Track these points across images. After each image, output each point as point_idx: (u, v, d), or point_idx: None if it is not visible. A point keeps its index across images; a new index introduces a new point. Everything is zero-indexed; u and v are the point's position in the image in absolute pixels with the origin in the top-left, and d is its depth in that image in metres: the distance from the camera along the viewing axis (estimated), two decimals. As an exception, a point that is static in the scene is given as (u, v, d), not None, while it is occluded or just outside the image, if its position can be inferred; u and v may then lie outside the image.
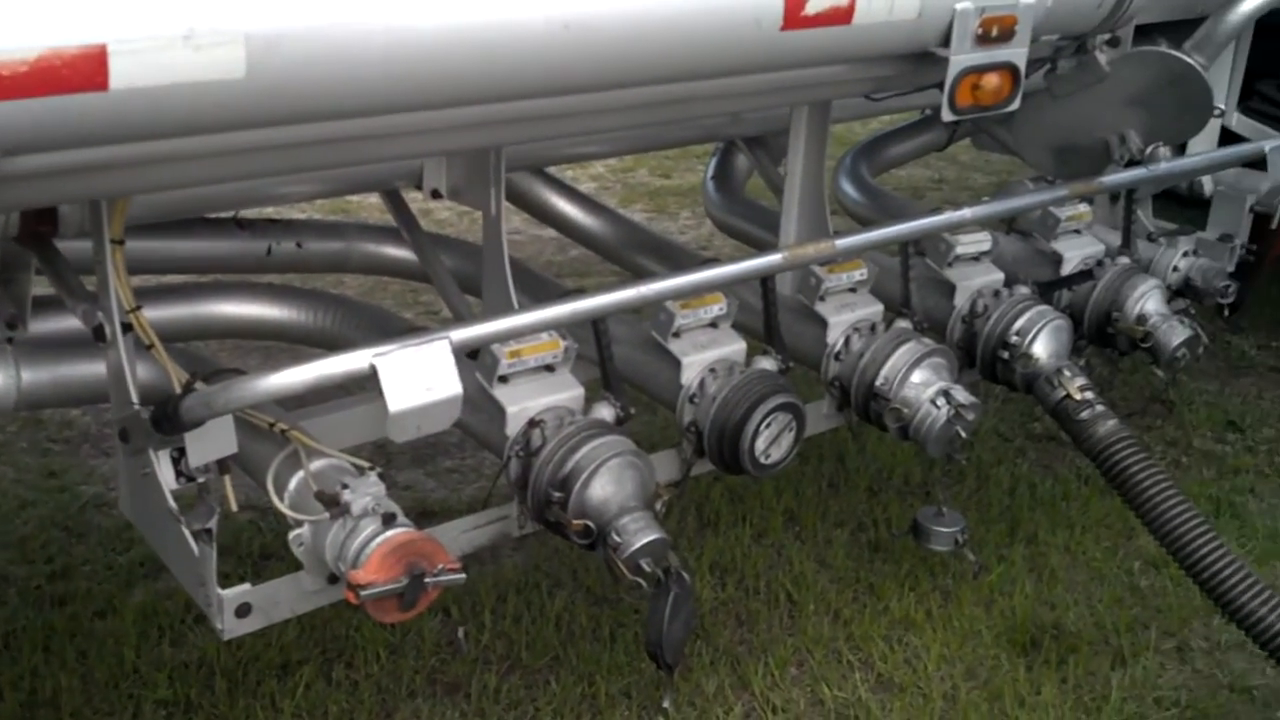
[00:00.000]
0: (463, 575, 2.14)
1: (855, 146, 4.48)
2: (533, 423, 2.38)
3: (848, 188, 4.15)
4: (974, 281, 3.17)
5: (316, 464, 2.18)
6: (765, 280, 2.73)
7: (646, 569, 2.35)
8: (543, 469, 2.35)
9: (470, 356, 2.41)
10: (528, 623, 3.29)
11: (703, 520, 3.85)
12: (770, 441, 2.65)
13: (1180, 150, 4.12)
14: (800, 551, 3.67)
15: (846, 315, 2.93)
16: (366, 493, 2.08)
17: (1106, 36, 3.16)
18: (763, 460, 2.66)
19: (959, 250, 3.14)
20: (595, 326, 2.47)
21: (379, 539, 2.04)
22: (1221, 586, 2.79)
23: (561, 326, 2.39)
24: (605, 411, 2.48)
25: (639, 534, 2.32)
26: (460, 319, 2.71)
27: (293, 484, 2.18)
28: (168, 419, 2.02)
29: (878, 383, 2.86)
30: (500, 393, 2.39)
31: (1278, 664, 2.78)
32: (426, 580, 2.07)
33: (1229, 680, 3.14)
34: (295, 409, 2.81)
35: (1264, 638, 2.75)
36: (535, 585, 3.45)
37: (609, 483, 2.34)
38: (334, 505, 2.07)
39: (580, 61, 2.00)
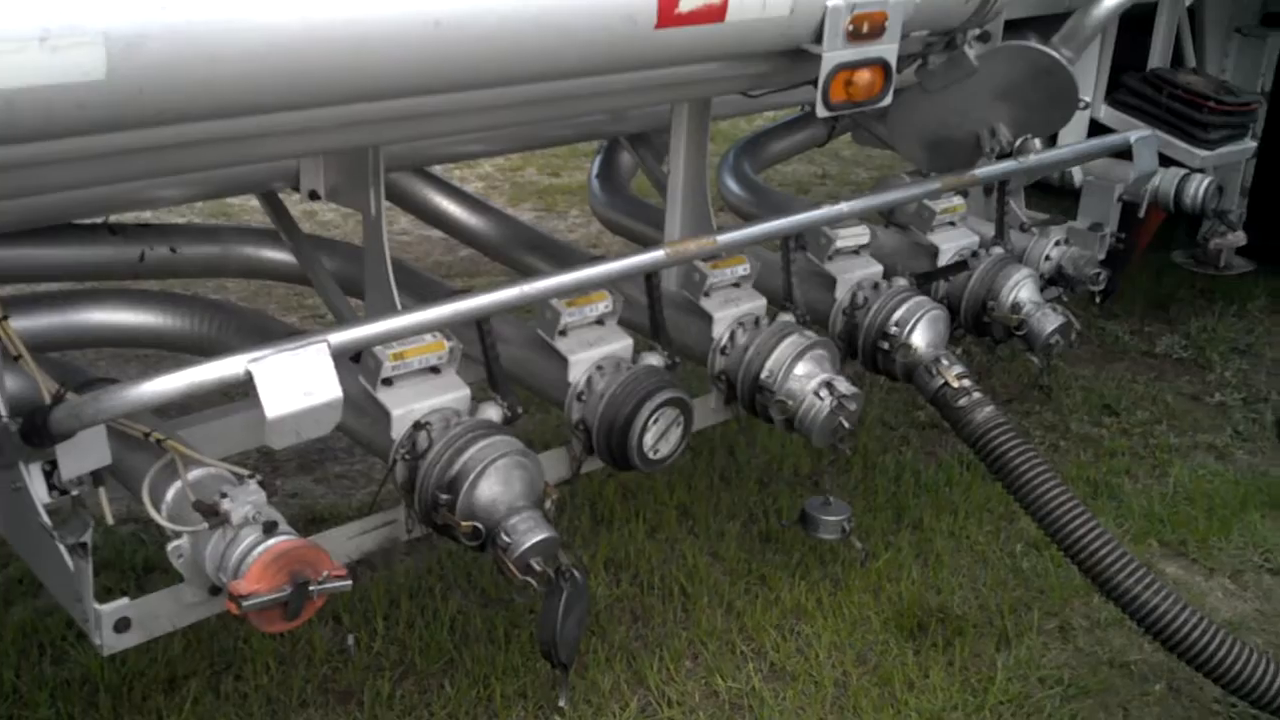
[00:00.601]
0: (349, 582, 2.11)
1: (738, 143, 4.52)
2: (418, 425, 2.36)
3: (731, 184, 4.19)
4: (854, 274, 3.22)
5: (194, 473, 2.13)
6: (649, 277, 2.74)
7: (537, 568, 2.34)
8: (430, 471, 2.33)
9: (354, 360, 2.38)
10: (421, 627, 3.26)
11: (597, 517, 3.85)
12: (658, 436, 2.66)
13: (1051, 142, 4.24)
14: (693, 545, 3.70)
15: (731, 310, 2.96)
16: (246, 501, 2.04)
17: (976, 32, 3.24)
18: (651, 455, 2.67)
19: (839, 244, 3.18)
20: (479, 326, 2.46)
21: (260, 548, 2.00)
22: (1098, 566, 2.88)
23: (445, 327, 2.37)
24: (492, 412, 2.47)
25: (528, 533, 2.32)
26: (342, 322, 2.68)
27: (170, 494, 2.13)
28: (37, 431, 1.96)
29: (763, 376, 2.89)
30: (384, 396, 2.37)
31: (1154, 639, 2.88)
32: (311, 588, 2.04)
33: (1109, 656, 3.25)
34: (178, 417, 2.77)
35: (1140, 614, 2.84)
36: (429, 589, 3.42)
37: (497, 483, 2.33)
38: (213, 515, 2.03)
39: (452, 59, 2.00)
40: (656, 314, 2.78)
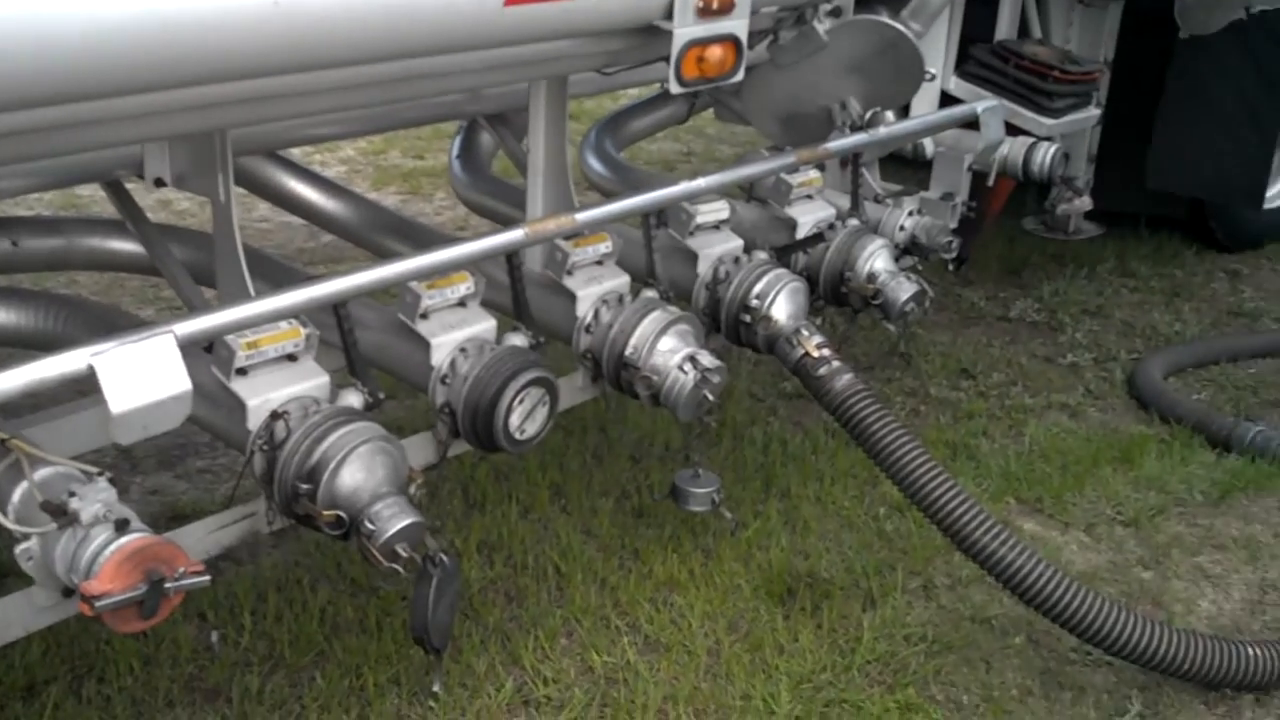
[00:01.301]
0: (207, 578, 2.07)
1: (599, 121, 4.53)
2: (275, 415, 2.31)
3: (593, 162, 4.20)
4: (715, 249, 3.25)
5: (41, 472, 2.06)
6: (510, 256, 2.73)
7: (404, 555, 2.32)
8: (289, 461, 2.29)
9: (207, 350, 2.33)
10: (290, 620, 3.21)
11: (469, 501, 3.84)
12: (525, 417, 2.66)
13: (904, 114, 4.34)
14: (567, 524, 3.70)
15: (594, 288, 2.97)
16: (96, 499, 1.98)
17: (828, 7, 3.30)
18: (518, 436, 2.67)
19: (699, 220, 3.21)
20: (336, 311, 2.43)
21: (111, 547, 1.95)
22: (956, 525, 2.97)
23: (299, 313, 2.33)
24: (353, 398, 2.44)
25: (393, 520, 2.30)
26: (194, 311, 2.61)
27: (16, 495, 2.06)
28: None
29: (627, 352, 2.91)
30: (239, 386, 2.32)
31: (1012, 594, 2.98)
32: (167, 586, 1.99)
33: (970, 612, 3.35)
34: (27, 415, 2.66)
35: (998, 570, 2.94)
36: (296, 581, 3.36)
37: (359, 470, 2.30)
38: (61, 515, 1.97)
39: (293, 40, 1.96)
40: (519, 294, 2.77)
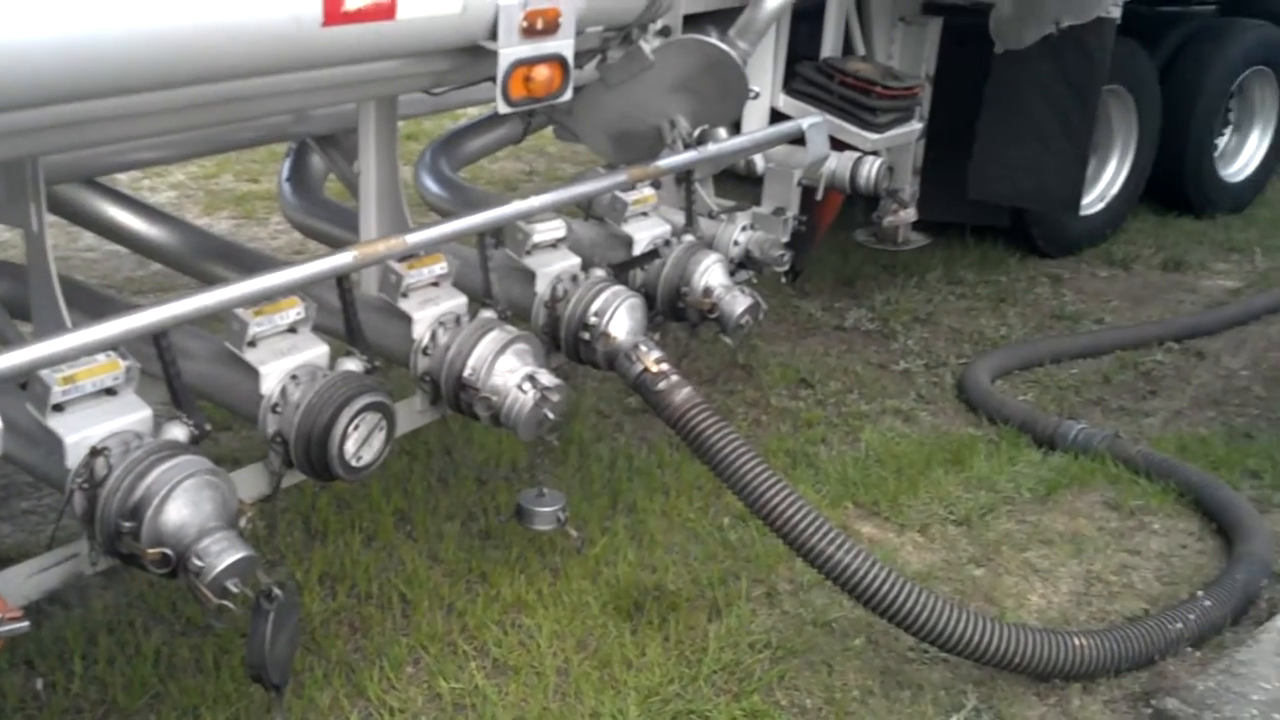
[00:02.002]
0: (26, 624, 1.98)
1: (434, 142, 4.50)
2: (95, 451, 2.23)
3: (428, 182, 4.17)
4: (553, 268, 3.25)
5: None
6: (341, 280, 2.69)
7: (234, 590, 2.26)
8: (110, 499, 2.21)
9: (23, 387, 2.24)
10: (122, 663, 3.09)
11: (310, 531, 3.75)
12: (360, 443, 2.62)
13: (736, 131, 4.42)
14: (412, 550, 3.66)
15: (430, 310, 2.94)
16: (-102, 548, 1.88)
17: (657, 26, 3.34)
18: (354, 463, 2.62)
19: (536, 238, 3.21)
20: (157, 342, 2.35)
21: (-83, 597, 1.85)
22: (795, 532, 3.03)
23: (118, 345, 2.26)
24: (177, 431, 2.37)
25: (222, 555, 2.23)
26: (7, 346, 2.50)
27: None
28: None
29: (466, 373, 2.89)
30: (55, 422, 2.23)
31: (851, 597, 3.05)
32: (-20, 634, 1.90)
33: (812, 617, 3.42)
34: None
35: (836, 574, 3.01)
36: (129, 623, 3.24)
37: (184, 505, 2.24)
38: None
39: (103, 63, 1.90)
40: (350, 318, 2.73)
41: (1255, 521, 3.81)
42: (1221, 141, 7.43)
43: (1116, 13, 5.19)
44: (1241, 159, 7.57)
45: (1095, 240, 6.63)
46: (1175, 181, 7.05)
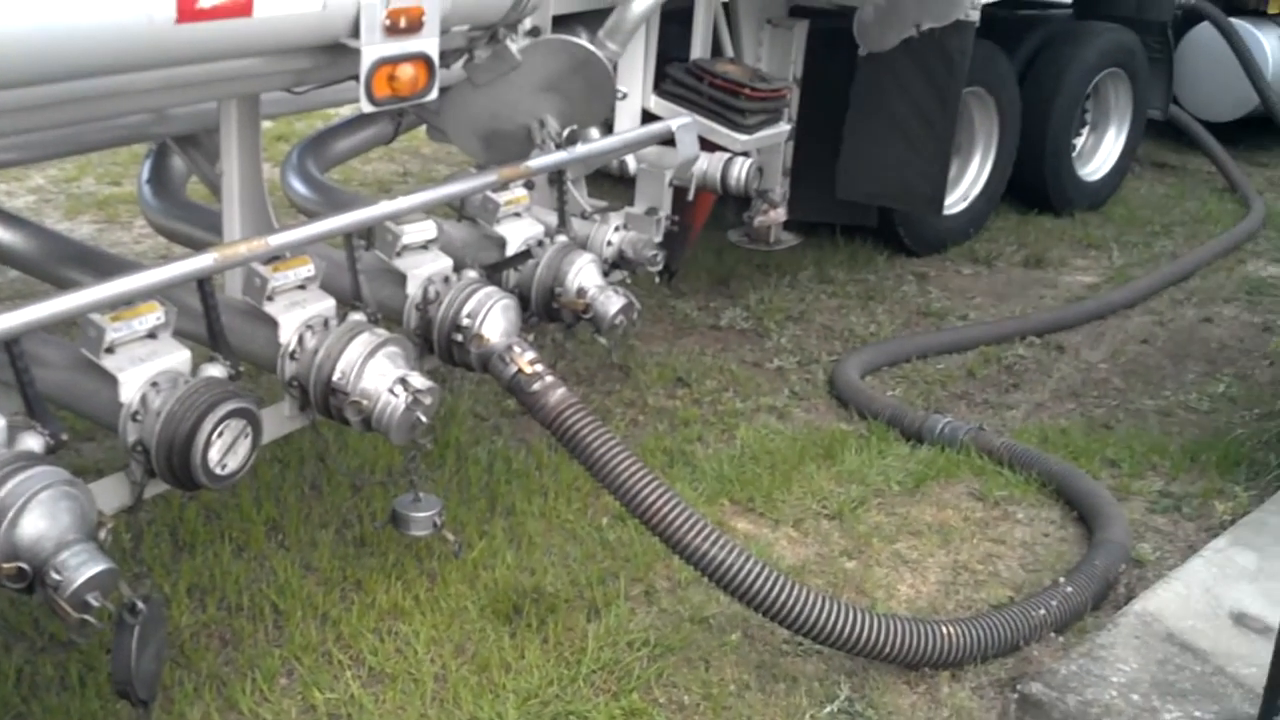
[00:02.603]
0: None
1: (301, 142, 4.42)
2: (-58, 465, 2.14)
3: (295, 184, 4.09)
4: (424, 269, 3.22)
5: None
6: (202, 283, 2.62)
7: (96, 604, 2.19)
8: (-41, 514, 2.12)
9: None
10: (-20, 684, 2.97)
11: (178, 543, 3.66)
12: (225, 451, 2.56)
13: (609, 131, 4.44)
14: (285, 559, 3.58)
15: (297, 313, 2.88)
16: None
17: (526, 26, 3.33)
18: (219, 472, 2.56)
19: (406, 240, 3.17)
20: (8, 350, 2.27)
21: None
22: (671, 530, 3.05)
23: (-36, 355, 2.17)
24: (32, 442, 2.28)
25: (81, 568, 2.16)
26: None
27: None
28: None
29: (335, 378, 2.84)
30: (-102, 436, 2.13)
31: (726, 592, 3.08)
32: None
33: (690, 614, 3.44)
34: None
35: (712, 571, 3.04)
36: (-14, 642, 3.12)
37: (40, 518, 2.16)
38: None
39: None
40: (213, 322, 2.67)
41: (1113, 509, 3.95)
42: (1079, 141, 7.69)
43: (975, 16, 5.34)
44: (1098, 158, 7.85)
45: (960, 238, 6.80)
46: (1035, 180, 7.27)
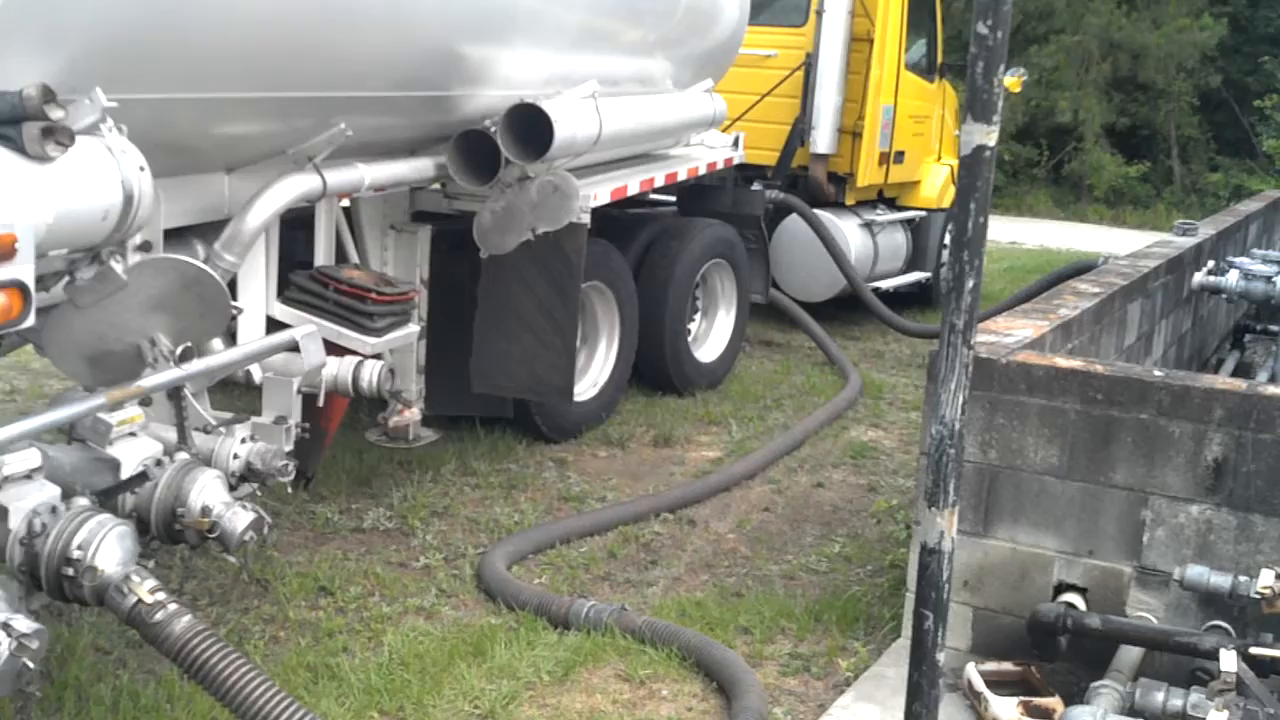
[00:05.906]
0: None
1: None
2: None
3: (-123, 416, 3.75)
4: (28, 500, 3.03)
5: None
6: None
7: None
8: None
9: None
10: None
11: None
12: None
13: (232, 340, 4.36)
14: None
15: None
16: None
17: (137, 242, 3.28)
18: None
19: (6, 470, 2.99)
20: None
21: None
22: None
23: None
24: None
25: None
26: None
27: None
28: None
29: (-75, 630, 2.60)
30: None
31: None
32: None
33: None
34: None
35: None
36: None
37: None
38: None
39: None
40: None
41: (749, 677, 4.14)
42: (693, 327, 8.25)
43: (586, 218, 5.70)
44: (711, 341, 8.43)
45: (593, 423, 7.07)
46: (658, 365, 7.71)
